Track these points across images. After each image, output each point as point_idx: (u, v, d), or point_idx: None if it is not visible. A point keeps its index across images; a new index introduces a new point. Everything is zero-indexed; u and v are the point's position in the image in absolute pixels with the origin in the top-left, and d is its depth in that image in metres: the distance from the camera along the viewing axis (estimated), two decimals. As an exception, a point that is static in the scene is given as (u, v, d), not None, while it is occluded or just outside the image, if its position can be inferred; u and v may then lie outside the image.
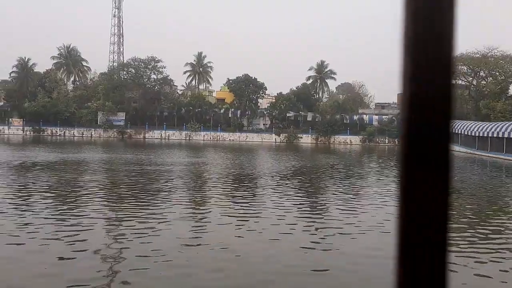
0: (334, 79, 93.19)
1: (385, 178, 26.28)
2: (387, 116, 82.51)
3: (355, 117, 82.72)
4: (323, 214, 14.60)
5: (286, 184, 21.87)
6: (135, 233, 11.22)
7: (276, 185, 20.95)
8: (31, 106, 79.01)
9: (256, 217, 13.65)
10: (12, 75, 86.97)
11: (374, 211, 15.03)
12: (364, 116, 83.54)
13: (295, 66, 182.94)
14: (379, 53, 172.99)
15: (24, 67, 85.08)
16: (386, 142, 79.27)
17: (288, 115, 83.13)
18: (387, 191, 19.78)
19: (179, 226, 12.18)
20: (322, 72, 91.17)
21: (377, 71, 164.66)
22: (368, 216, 14.08)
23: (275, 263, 9.25)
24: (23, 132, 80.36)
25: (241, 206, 15.38)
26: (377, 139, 79.65)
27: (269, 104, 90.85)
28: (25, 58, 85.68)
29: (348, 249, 10.49)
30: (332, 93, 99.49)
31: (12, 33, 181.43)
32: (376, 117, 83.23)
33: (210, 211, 14.41)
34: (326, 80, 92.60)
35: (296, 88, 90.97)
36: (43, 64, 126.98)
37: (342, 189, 20.26)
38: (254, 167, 31.06)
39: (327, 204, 16.52)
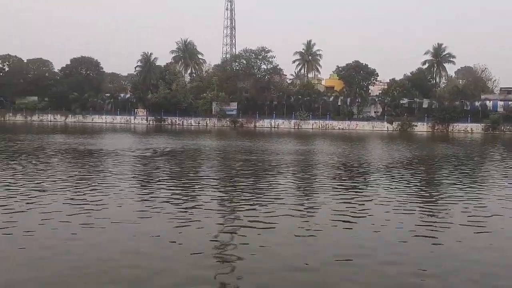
0: (453, 62, 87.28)
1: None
2: (514, 102, 75.03)
3: (477, 103, 76.69)
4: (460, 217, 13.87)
5: (417, 177, 21.03)
6: (250, 224, 11.29)
7: (406, 177, 20.31)
8: (153, 97, 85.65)
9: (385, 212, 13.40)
10: (137, 69, 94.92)
11: None
12: (488, 102, 77.13)
13: (409, 50, 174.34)
14: (505, 33, 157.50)
15: (147, 61, 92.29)
16: (514, 131, 72.24)
17: (401, 102, 79.60)
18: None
19: (293, 219, 12.03)
20: (439, 56, 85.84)
21: (503, 52, 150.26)
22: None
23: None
24: (147, 122, 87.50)
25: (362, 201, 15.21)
26: (503, 127, 72.88)
27: (380, 91, 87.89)
28: (148, 53, 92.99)
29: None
30: (451, 78, 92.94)
31: (137, 30, 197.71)
32: (501, 103, 76.28)
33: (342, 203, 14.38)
34: (444, 64, 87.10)
35: (411, 73, 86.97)
36: (163, 57, 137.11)
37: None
38: (374, 157, 30.08)
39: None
